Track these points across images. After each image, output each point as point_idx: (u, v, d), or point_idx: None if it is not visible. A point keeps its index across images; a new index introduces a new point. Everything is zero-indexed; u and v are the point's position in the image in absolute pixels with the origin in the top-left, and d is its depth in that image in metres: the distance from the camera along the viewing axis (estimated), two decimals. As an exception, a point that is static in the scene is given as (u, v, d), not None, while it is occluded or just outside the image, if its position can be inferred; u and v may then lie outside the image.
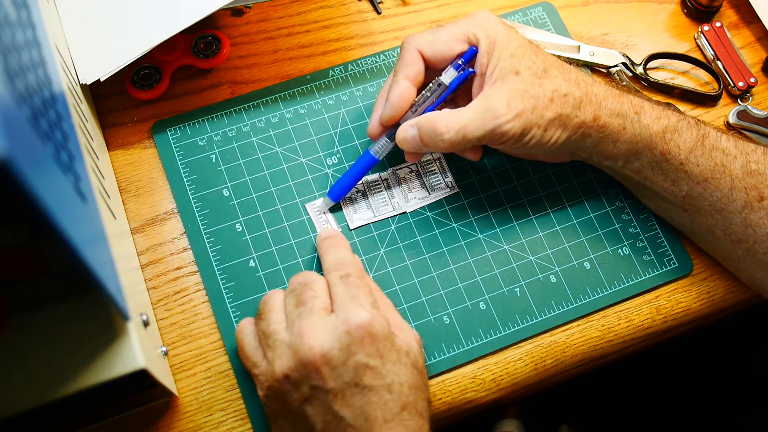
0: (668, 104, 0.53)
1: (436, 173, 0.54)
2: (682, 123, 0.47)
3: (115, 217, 0.45)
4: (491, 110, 0.45)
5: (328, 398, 0.39)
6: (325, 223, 0.51)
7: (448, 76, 0.48)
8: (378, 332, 0.40)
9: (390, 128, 0.49)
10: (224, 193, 0.52)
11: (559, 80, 0.46)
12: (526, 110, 0.45)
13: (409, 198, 0.53)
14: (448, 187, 0.53)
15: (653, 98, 0.53)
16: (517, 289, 0.50)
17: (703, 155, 0.46)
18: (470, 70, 0.47)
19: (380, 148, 0.50)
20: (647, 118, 0.47)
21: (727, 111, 0.57)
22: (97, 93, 0.55)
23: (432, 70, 0.49)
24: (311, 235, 0.51)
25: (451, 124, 0.45)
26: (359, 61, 0.58)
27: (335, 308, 0.41)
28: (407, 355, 0.41)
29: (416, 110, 0.48)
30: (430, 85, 0.48)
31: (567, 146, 0.48)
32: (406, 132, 0.47)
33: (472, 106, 0.46)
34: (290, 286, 0.44)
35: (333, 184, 0.51)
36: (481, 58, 0.47)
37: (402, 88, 0.47)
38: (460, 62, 0.47)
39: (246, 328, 0.44)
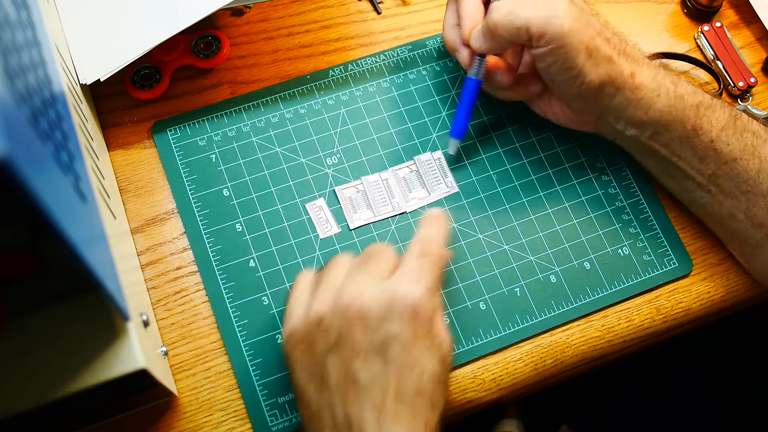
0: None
1: (436, 173, 0.54)
2: (716, 101, 0.48)
3: (115, 217, 0.45)
4: (548, 4, 0.45)
5: (351, 354, 0.39)
6: (325, 223, 0.51)
7: None
8: (421, 313, 0.40)
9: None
10: (224, 193, 0.52)
11: (604, 26, 0.47)
12: (580, 22, 0.45)
13: (409, 198, 0.53)
14: (448, 187, 0.53)
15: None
16: (517, 289, 0.50)
17: (734, 134, 0.46)
18: None
19: (476, 67, 0.50)
20: (683, 90, 0.47)
21: (727, 111, 0.57)
22: (97, 93, 0.55)
23: None
24: (311, 234, 0.51)
25: (504, 3, 0.46)
26: (359, 61, 0.58)
27: (396, 274, 0.41)
28: (440, 347, 0.40)
29: None
30: None
31: (598, 99, 0.47)
32: (477, 31, 0.49)
33: None
34: (362, 253, 0.44)
35: (452, 124, 0.52)
36: None
37: (473, 5, 0.50)
38: None
39: (307, 276, 0.45)
